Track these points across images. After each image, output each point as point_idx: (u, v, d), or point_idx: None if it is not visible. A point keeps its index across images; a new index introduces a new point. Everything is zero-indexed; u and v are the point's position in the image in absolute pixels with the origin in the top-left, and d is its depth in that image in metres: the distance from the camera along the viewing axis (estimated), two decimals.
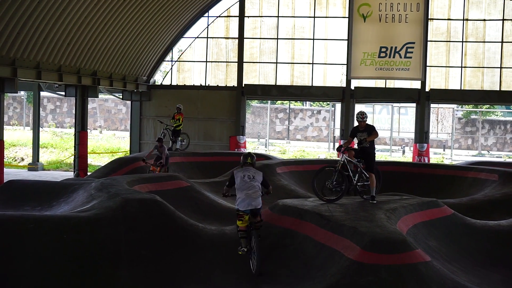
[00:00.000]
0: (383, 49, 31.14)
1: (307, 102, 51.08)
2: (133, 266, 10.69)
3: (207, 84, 33.12)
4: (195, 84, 33.25)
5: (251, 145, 42.13)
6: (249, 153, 11.79)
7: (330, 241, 10.70)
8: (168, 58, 33.66)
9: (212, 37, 32.95)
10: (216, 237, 12.37)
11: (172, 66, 33.64)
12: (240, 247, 11.14)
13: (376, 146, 13.85)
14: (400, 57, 30.98)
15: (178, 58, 33.73)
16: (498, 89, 31.21)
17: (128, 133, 37.46)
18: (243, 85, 32.55)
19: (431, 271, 9.46)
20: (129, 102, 35.36)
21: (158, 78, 34.77)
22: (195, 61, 33.28)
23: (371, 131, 13.24)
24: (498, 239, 13.07)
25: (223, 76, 33.04)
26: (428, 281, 9.15)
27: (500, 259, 12.42)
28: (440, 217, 13.40)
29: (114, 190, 13.15)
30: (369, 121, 13.66)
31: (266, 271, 10.92)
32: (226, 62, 32.97)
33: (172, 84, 33.44)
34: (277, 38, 32.47)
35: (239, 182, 11.20)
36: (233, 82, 32.77)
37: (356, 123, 13.77)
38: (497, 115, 49.96)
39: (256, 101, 48.98)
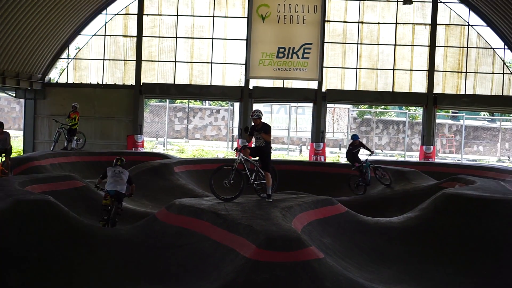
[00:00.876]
0: (281, 50, 31.58)
1: (206, 101, 51.10)
2: (23, 269, 10.34)
3: (104, 83, 32.54)
4: (92, 83, 32.61)
5: (149, 144, 41.70)
6: (120, 157, 14.51)
7: (226, 240, 10.74)
8: (64, 55, 32.85)
9: (110, 35, 32.42)
10: (112, 238, 12.16)
11: (68, 63, 32.85)
12: (101, 217, 13.72)
13: (273, 145, 14.02)
14: (298, 57, 31.51)
15: (75, 55, 32.96)
16: (391, 90, 32.29)
17: (21, 132, 36.21)
18: (141, 84, 32.20)
19: (324, 267, 9.65)
20: (22, 100, 34.21)
21: (54, 75, 33.88)
22: (92, 59, 32.63)
23: (266, 129, 13.36)
24: (389, 236, 13.51)
25: (121, 75, 32.55)
26: (322, 277, 9.33)
27: (391, 255, 12.84)
28: (334, 215, 13.71)
29: (4, 191, 12.69)
30: (267, 121, 13.79)
31: (162, 270, 10.84)
32: (124, 60, 32.51)
33: (68, 82, 32.66)
34: (176, 37, 32.32)
35: (110, 174, 13.98)
36: (131, 81, 32.35)
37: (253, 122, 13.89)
38: (390, 116, 51.67)
39: (155, 100, 48.52)
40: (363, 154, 23.33)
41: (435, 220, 14.01)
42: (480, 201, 14.11)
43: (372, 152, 21.29)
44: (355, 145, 21.18)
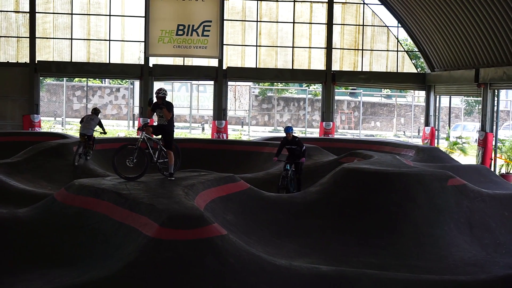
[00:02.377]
0: (181, 27, 31.29)
1: (106, 80, 50.08)
2: None
3: None
4: None
5: (47, 124, 40.53)
6: (95, 108, 19.69)
7: (128, 219, 10.61)
8: None
9: (1, 11, 31.10)
10: (9, 219, 11.77)
11: None
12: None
13: (175, 123, 13.88)
14: (198, 35, 31.32)
15: None
16: (291, 68, 32.68)
17: None
18: (36, 62, 31.13)
19: (227, 244, 9.72)
20: None
21: None
22: None
23: (168, 107, 13.24)
24: (291, 211, 13.75)
25: (14, 52, 31.35)
26: (225, 254, 9.40)
27: (294, 230, 13.09)
28: (237, 192, 13.81)
29: None
30: (169, 99, 13.61)
31: (63, 252, 10.62)
32: (17, 37, 31.31)
33: None
34: (72, 13, 31.39)
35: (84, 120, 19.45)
36: (25, 59, 31.22)
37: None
38: (291, 93, 52.36)
39: (51, 78, 47.12)
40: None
41: (335, 194, 14.38)
42: (377, 175, 14.59)
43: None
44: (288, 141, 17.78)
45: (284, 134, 18.13)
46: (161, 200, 10.92)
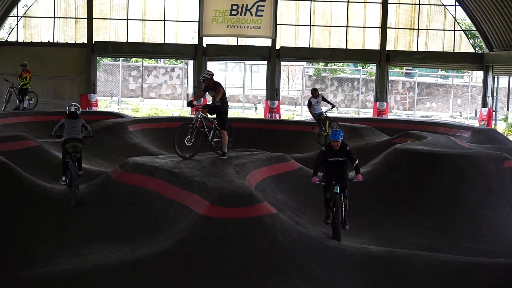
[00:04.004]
0: (235, 7, 31.30)
1: (161, 60, 50.53)
2: None
3: (55, 41, 31.87)
4: (42, 41, 31.90)
5: (104, 103, 41.19)
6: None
7: (180, 197, 10.77)
8: (13, 13, 31.97)
9: None
10: (65, 197, 12.10)
11: (17, 22, 32.03)
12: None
13: (229, 103, 13.92)
14: (251, 15, 31.29)
15: (24, 13, 32.15)
16: (345, 47, 32.38)
17: None
18: (94, 42, 31.64)
19: (277, 222, 9.78)
20: None
21: (3, 34, 33.01)
22: (42, 17, 31.85)
23: (217, 88, 13.28)
24: None
25: (72, 33, 31.92)
26: (274, 232, 9.46)
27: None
28: (288, 171, 13.83)
29: None
30: (222, 79, 13.65)
31: (116, 228, 10.85)
32: (75, 18, 31.85)
33: (18, 41, 31.88)
34: None
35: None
36: (83, 39, 31.76)
37: None
38: (345, 73, 51.92)
39: (108, 58, 47.79)
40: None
41: (387, 175, 14.28)
42: (430, 156, 14.41)
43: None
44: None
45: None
46: (213, 179, 11.03)
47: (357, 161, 11.31)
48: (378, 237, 11.85)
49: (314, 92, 20.20)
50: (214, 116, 13.60)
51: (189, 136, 12.88)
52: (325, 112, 20.43)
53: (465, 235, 12.19)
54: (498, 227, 12.65)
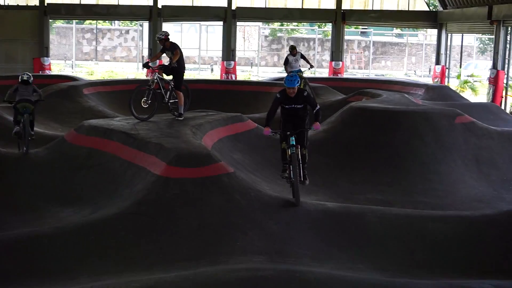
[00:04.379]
0: None
1: (115, 22, 49.76)
2: None
3: (6, 3, 31.11)
4: None
5: (57, 67, 40.50)
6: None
7: (137, 159, 10.77)
8: None
9: None
10: (21, 161, 12.00)
11: None
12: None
13: (185, 64, 13.88)
14: None
15: None
16: (301, 7, 32.33)
17: None
18: (46, 4, 30.92)
19: (234, 181, 9.88)
20: None
21: None
22: None
23: (174, 49, 13.23)
24: None
25: None
26: (231, 191, 9.57)
27: None
28: (244, 131, 13.89)
29: None
30: (177, 41, 13.54)
31: (74, 191, 10.83)
32: None
33: None
34: None
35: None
36: (35, 1, 31.01)
37: None
38: (301, 33, 51.86)
39: (61, 21, 46.88)
40: None
41: (342, 133, 14.45)
42: (385, 113, 14.64)
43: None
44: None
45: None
46: (169, 140, 11.05)
47: (318, 107, 10.23)
48: (333, 193, 12.07)
49: (292, 49, 19.47)
50: (171, 77, 13.56)
51: (145, 98, 12.84)
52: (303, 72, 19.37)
53: (418, 190, 12.50)
54: (450, 181, 12.99)
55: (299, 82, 10.14)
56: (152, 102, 12.94)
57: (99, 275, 7.64)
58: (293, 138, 9.99)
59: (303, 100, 10.17)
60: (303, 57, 19.58)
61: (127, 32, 49.36)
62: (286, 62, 19.43)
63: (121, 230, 8.78)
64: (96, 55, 47.90)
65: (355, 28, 48.63)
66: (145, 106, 12.87)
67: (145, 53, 38.36)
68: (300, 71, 19.08)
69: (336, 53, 32.26)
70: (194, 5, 31.84)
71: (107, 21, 48.15)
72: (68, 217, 9.80)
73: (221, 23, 32.74)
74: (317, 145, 13.97)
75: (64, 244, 8.40)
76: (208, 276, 6.86)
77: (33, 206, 10.57)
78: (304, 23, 45.91)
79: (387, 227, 9.38)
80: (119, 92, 21.34)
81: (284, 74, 19.88)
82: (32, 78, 13.57)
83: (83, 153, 11.84)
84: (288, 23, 46.62)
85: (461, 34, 34.70)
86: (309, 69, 19.77)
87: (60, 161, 11.93)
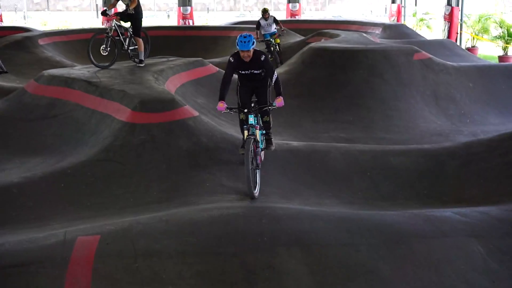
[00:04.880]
0: None
1: None
2: None
3: None
4: None
5: (8, 18, 39.56)
6: None
7: (101, 106, 10.73)
8: None
9: None
10: None
11: None
12: None
13: (143, 11, 13.76)
14: None
15: None
16: None
17: None
18: None
19: (199, 124, 9.96)
20: None
21: None
22: None
23: None
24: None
25: None
26: (198, 133, 9.65)
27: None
28: (206, 75, 13.90)
29: None
30: None
31: (38, 142, 10.78)
32: None
33: None
34: None
35: None
36: None
37: None
38: None
39: None
40: None
41: (303, 74, 14.58)
42: (344, 52, 14.79)
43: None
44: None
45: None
46: (132, 86, 11.03)
47: (276, 76, 8.81)
48: (297, 133, 12.24)
49: (265, 13, 18.38)
50: (129, 24, 13.44)
51: (104, 46, 12.74)
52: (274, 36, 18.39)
53: (379, 126, 12.76)
54: (410, 116, 13.28)
55: (254, 44, 8.63)
56: (112, 50, 12.85)
57: (71, 221, 7.71)
58: (253, 117, 8.62)
59: (260, 65, 8.75)
60: (275, 21, 18.58)
61: None
62: (258, 27, 18.40)
63: (91, 176, 8.83)
64: (47, 5, 46.89)
65: None
66: (104, 54, 12.77)
67: (99, 1, 37.70)
68: (274, 33, 18.38)
69: None
70: None
71: None
72: (35, 167, 9.77)
73: None
74: None
75: (34, 193, 8.43)
76: (180, 216, 6.99)
77: None
78: None
79: (352, 162, 9.62)
80: (76, 42, 21.10)
81: (241, 19, 19.79)
82: None
83: (45, 103, 11.73)
84: None
85: None
86: (281, 33, 18.78)
87: (21, 112, 11.80)
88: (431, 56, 15.11)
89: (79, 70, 12.89)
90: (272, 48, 18.23)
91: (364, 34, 19.51)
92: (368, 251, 6.49)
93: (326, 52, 14.95)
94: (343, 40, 17.05)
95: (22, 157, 10.38)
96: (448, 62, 15.50)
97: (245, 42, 8.53)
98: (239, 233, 6.55)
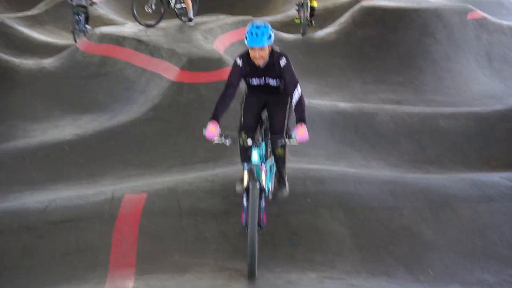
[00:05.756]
0: None
1: None
2: None
3: None
4: None
5: None
6: None
7: (150, 65, 10.83)
8: None
9: None
10: (34, 71, 12.08)
11: None
12: None
13: None
14: None
15: None
16: None
17: None
18: None
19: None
20: None
21: None
22: None
23: None
24: (311, 51, 13.81)
25: None
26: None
27: (313, 70, 13.18)
28: None
29: None
30: None
31: (90, 99, 10.97)
32: None
33: None
34: None
35: None
36: None
37: None
38: None
39: None
40: None
41: (353, 33, 14.35)
42: (396, 11, 14.47)
43: None
44: None
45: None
46: (181, 45, 11.06)
47: (299, 93, 5.86)
48: (346, 94, 12.15)
49: None
50: None
51: (149, 3, 12.69)
52: None
53: (430, 88, 12.56)
54: (462, 78, 13.02)
55: (271, 38, 5.87)
56: (158, 8, 12.82)
57: (119, 179, 7.90)
58: (258, 152, 5.85)
59: (279, 72, 5.99)
60: None
61: None
62: None
63: (139, 135, 8.99)
64: None
65: None
66: (148, 11, 12.74)
67: None
68: None
69: None
70: None
71: None
72: (86, 124, 9.98)
73: None
74: (329, 46, 13.98)
75: (84, 150, 8.64)
76: (225, 176, 7.08)
77: (51, 114, 10.74)
78: None
79: (399, 125, 9.54)
80: None
81: None
82: None
83: (96, 61, 11.89)
84: None
85: None
86: None
87: (74, 70, 12.00)
88: (486, 15, 14.71)
89: (130, 28, 12.95)
90: (300, 6, 15.00)
91: None
92: (412, 215, 6.48)
93: (377, 11, 14.65)
94: None
95: (74, 114, 10.63)
96: (504, 22, 15.08)
97: (257, 34, 5.78)
98: None
